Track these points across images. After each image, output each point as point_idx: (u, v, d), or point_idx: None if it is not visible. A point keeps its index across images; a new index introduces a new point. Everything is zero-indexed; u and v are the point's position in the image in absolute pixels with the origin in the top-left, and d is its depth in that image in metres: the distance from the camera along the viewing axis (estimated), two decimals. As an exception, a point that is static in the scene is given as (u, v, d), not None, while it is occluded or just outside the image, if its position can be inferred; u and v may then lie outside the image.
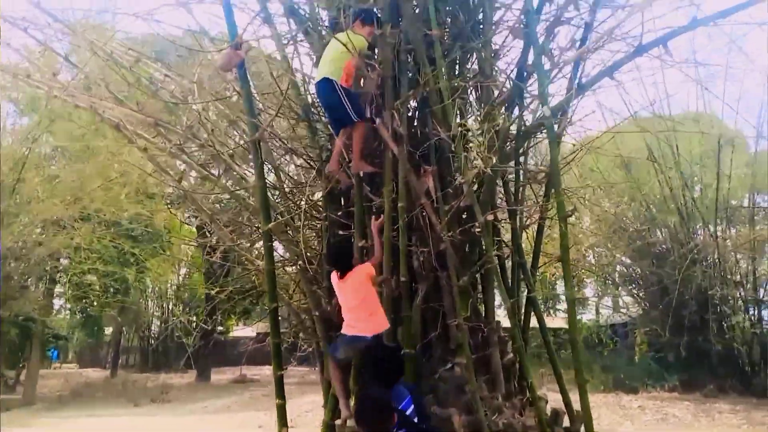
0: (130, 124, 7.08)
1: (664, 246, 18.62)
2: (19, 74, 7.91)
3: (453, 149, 4.77)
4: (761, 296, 18.69)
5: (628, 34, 5.34)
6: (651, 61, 5.17)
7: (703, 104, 16.92)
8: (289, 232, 5.87)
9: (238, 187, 6.01)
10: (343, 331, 4.36)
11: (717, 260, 17.16)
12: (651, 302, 19.10)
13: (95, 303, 20.45)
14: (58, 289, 20.64)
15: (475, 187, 4.94)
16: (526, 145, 5.26)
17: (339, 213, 5.35)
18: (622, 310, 22.74)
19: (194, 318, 24.66)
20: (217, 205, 7.38)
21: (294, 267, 5.91)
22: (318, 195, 5.81)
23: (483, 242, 4.86)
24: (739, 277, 17.88)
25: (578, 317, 24.30)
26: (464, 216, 5.16)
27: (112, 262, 17.09)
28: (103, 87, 7.06)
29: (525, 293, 5.91)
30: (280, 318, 5.61)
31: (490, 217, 4.62)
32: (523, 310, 5.70)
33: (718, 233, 17.23)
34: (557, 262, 4.31)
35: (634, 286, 20.82)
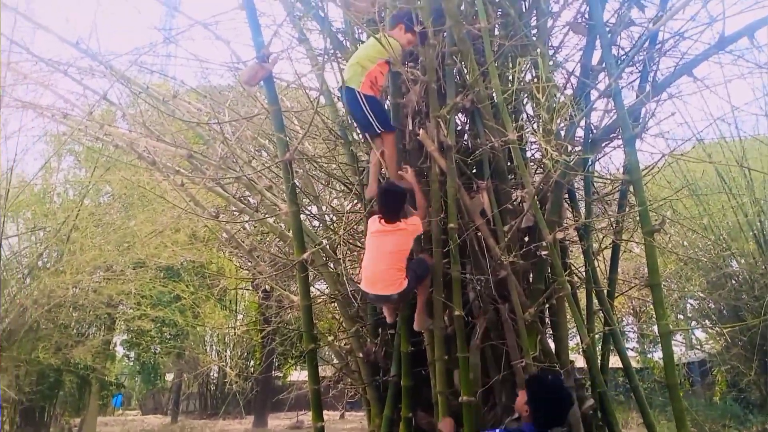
0: (167, 160, 6.80)
1: (741, 277, 17.25)
2: (62, 120, 7.76)
3: (510, 160, 4.12)
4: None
5: (701, 33, 4.65)
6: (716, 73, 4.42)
7: (774, 122, 15.79)
8: (330, 264, 5.32)
9: (270, 216, 5.50)
10: (363, 287, 4.00)
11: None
12: (731, 338, 17.65)
13: (150, 349, 20.35)
14: (116, 337, 20.74)
15: (538, 204, 4.27)
16: (596, 153, 4.53)
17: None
18: (696, 347, 21.19)
19: (251, 363, 24.42)
20: (259, 239, 6.91)
21: (335, 303, 5.32)
22: (359, 222, 5.23)
23: (551, 267, 4.13)
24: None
25: (650, 356, 22.77)
26: (526, 238, 4.47)
27: (165, 307, 16.97)
28: (139, 123, 6.83)
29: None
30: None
31: (560, 236, 3.92)
32: (599, 348, 4.90)
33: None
34: (644, 286, 3.55)
35: (708, 321, 19.31)
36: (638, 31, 4.90)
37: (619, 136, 4.38)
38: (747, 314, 16.36)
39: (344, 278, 4.70)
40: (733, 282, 17.20)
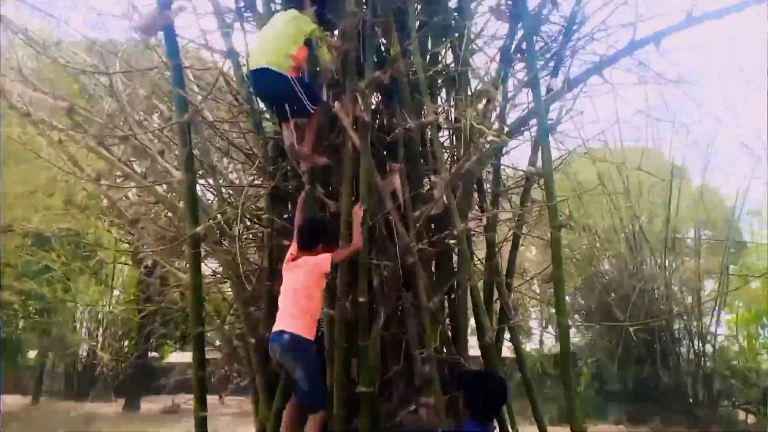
0: (45, 113, 6.05)
1: (610, 276, 18.49)
2: None
3: (427, 143, 3.95)
4: (705, 328, 18.86)
5: (614, 32, 4.73)
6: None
7: (652, 137, 17.02)
8: (224, 243, 4.91)
9: (160, 184, 5.00)
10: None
11: (664, 291, 17.26)
12: (598, 332, 18.95)
13: (13, 324, 18.56)
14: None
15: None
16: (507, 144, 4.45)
17: (285, 218, 4.44)
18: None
19: (125, 343, 22.98)
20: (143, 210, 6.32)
21: (228, 284, 4.94)
22: (259, 198, 4.88)
23: (456, 256, 4.02)
24: (684, 308, 18.03)
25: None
26: (432, 225, 4.33)
27: (33, 278, 15.50)
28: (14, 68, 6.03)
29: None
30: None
31: (472, 224, 3.80)
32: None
33: (665, 264, 17.30)
34: (547, 281, 3.50)
35: (578, 316, 20.56)
36: (555, 29, 4.91)
37: (530, 129, 4.35)
38: (616, 311, 17.61)
39: (240, 257, 4.32)
40: (604, 281, 18.44)
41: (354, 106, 3.93)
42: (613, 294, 17.11)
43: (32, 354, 27.59)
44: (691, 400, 16.99)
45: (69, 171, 5.59)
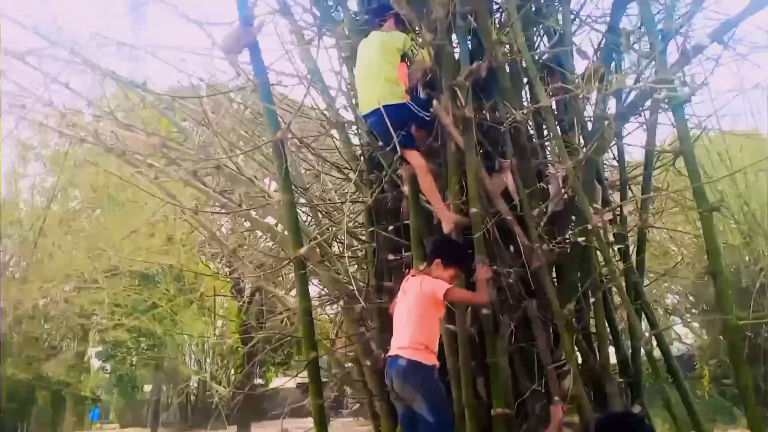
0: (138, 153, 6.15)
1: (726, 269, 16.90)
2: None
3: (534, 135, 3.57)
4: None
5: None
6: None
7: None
8: (326, 263, 4.71)
9: (258, 207, 4.87)
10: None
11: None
12: (719, 331, 17.40)
13: (127, 361, 19.45)
14: (90, 349, 19.82)
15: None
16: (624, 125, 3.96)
17: (390, 229, 4.18)
18: (685, 340, 20.95)
19: (231, 371, 23.58)
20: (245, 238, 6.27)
21: (336, 306, 4.72)
22: (359, 213, 4.65)
23: (590, 256, 3.59)
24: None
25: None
26: (552, 224, 3.91)
27: (142, 315, 16.16)
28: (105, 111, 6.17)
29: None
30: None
31: (608, 217, 3.38)
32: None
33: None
34: (704, 274, 3.00)
35: (689, 315, 19.00)
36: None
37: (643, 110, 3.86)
38: (736, 307, 16.11)
39: (347, 276, 4.09)
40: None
41: (453, 103, 3.62)
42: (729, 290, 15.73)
43: (147, 388, 28.96)
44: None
45: (169, 201, 5.55)
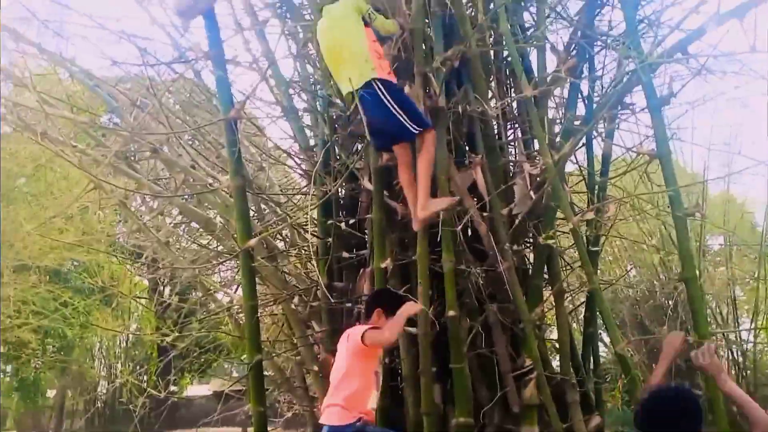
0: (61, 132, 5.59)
1: (641, 287, 17.76)
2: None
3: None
4: (741, 337, 18.16)
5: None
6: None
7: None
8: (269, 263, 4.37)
9: (202, 192, 4.47)
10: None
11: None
12: (633, 347, 18.14)
13: (31, 363, 18.01)
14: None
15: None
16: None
17: (343, 226, 3.91)
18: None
19: (145, 378, 22.39)
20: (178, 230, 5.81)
21: (279, 306, 4.39)
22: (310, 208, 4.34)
23: (554, 261, 3.46)
24: (720, 318, 17.35)
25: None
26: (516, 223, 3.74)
27: (51, 316, 15.00)
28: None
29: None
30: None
31: (588, 217, 3.25)
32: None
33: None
34: (678, 281, 2.92)
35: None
36: None
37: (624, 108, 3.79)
38: (649, 323, 16.94)
39: (298, 271, 3.79)
40: (634, 291, 17.72)
41: (424, 91, 3.41)
42: (645, 306, 16.47)
43: (51, 393, 27.06)
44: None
45: (99, 188, 5.04)
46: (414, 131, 3.12)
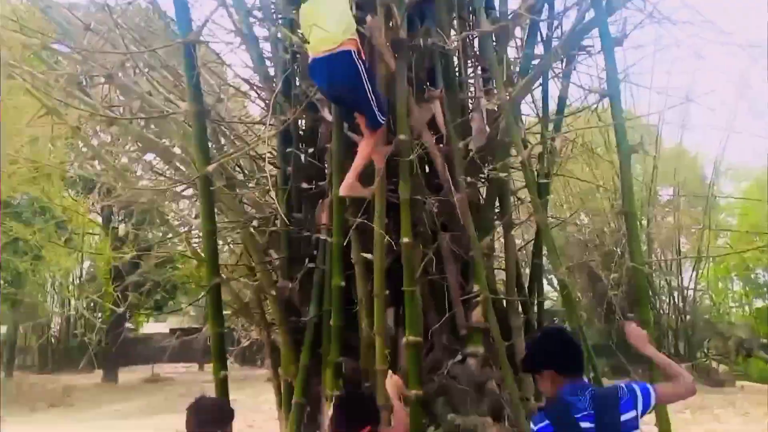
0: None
1: (592, 233, 18.46)
2: None
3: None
4: (683, 284, 19.24)
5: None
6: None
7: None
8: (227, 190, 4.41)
9: (160, 117, 4.42)
10: None
11: (645, 248, 17.44)
12: (582, 290, 19.08)
13: (-20, 297, 17.69)
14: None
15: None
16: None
17: (302, 157, 3.97)
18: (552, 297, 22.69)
19: (99, 314, 22.29)
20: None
21: (238, 232, 4.46)
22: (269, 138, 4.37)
23: (505, 195, 3.61)
24: (664, 265, 18.27)
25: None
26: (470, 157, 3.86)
27: (2, 249, 14.67)
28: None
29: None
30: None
31: (537, 150, 3.39)
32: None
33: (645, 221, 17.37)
34: (618, 213, 3.11)
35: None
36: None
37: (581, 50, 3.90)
38: (597, 268, 17.78)
39: (256, 203, 3.85)
40: (585, 237, 18.45)
41: (386, 22, 3.43)
42: (595, 251, 17.17)
43: (3, 329, 26.72)
44: (672, 351, 17.44)
45: (51, 114, 4.92)
46: (379, 120, 3.28)
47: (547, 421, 2.20)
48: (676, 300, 18.94)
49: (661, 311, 18.28)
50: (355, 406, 2.66)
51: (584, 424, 2.15)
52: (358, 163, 3.38)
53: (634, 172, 17.28)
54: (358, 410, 2.65)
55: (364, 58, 3.27)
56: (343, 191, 3.42)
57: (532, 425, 2.27)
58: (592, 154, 5.26)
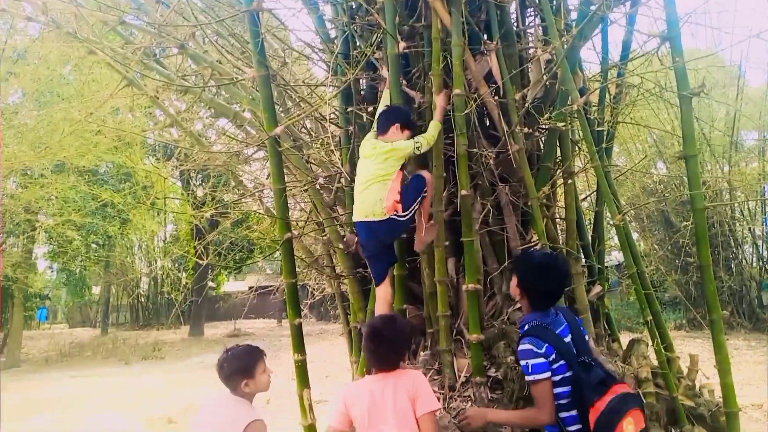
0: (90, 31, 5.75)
1: (668, 181, 17.72)
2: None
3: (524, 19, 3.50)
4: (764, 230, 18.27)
5: None
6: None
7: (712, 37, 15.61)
8: (295, 150, 4.64)
9: (230, 83, 4.67)
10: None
11: (726, 196, 16.62)
12: (658, 240, 18.50)
13: (76, 259, 19.07)
14: (38, 248, 19.34)
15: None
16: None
17: (364, 116, 4.12)
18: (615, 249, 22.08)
19: (183, 274, 23.62)
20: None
21: (306, 191, 4.70)
22: (332, 98, 4.54)
23: (564, 144, 3.64)
24: (748, 213, 17.42)
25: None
26: (532, 110, 3.91)
27: (91, 214, 15.72)
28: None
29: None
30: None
31: (593, 97, 3.40)
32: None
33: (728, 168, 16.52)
34: (678, 158, 3.12)
35: (636, 223, 19.95)
36: None
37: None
38: (674, 218, 17.18)
39: (321, 162, 4.04)
40: (661, 186, 17.76)
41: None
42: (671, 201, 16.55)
43: (96, 290, 28.76)
44: (756, 303, 16.84)
45: (131, 85, 5.26)
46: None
47: (547, 344, 2.52)
48: (760, 249, 18.11)
49: (744, 261, 17.54)
50: (386, 333, 2.69)
51: (567, 339, 2.59)
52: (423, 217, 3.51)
53: (715, 115, 16.45)
54: (388, 336, 2.67)
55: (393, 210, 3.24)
56: (418, 248, 3.64)
57: (535, 348, 2.51)
58: (660, 99, 5.11)
